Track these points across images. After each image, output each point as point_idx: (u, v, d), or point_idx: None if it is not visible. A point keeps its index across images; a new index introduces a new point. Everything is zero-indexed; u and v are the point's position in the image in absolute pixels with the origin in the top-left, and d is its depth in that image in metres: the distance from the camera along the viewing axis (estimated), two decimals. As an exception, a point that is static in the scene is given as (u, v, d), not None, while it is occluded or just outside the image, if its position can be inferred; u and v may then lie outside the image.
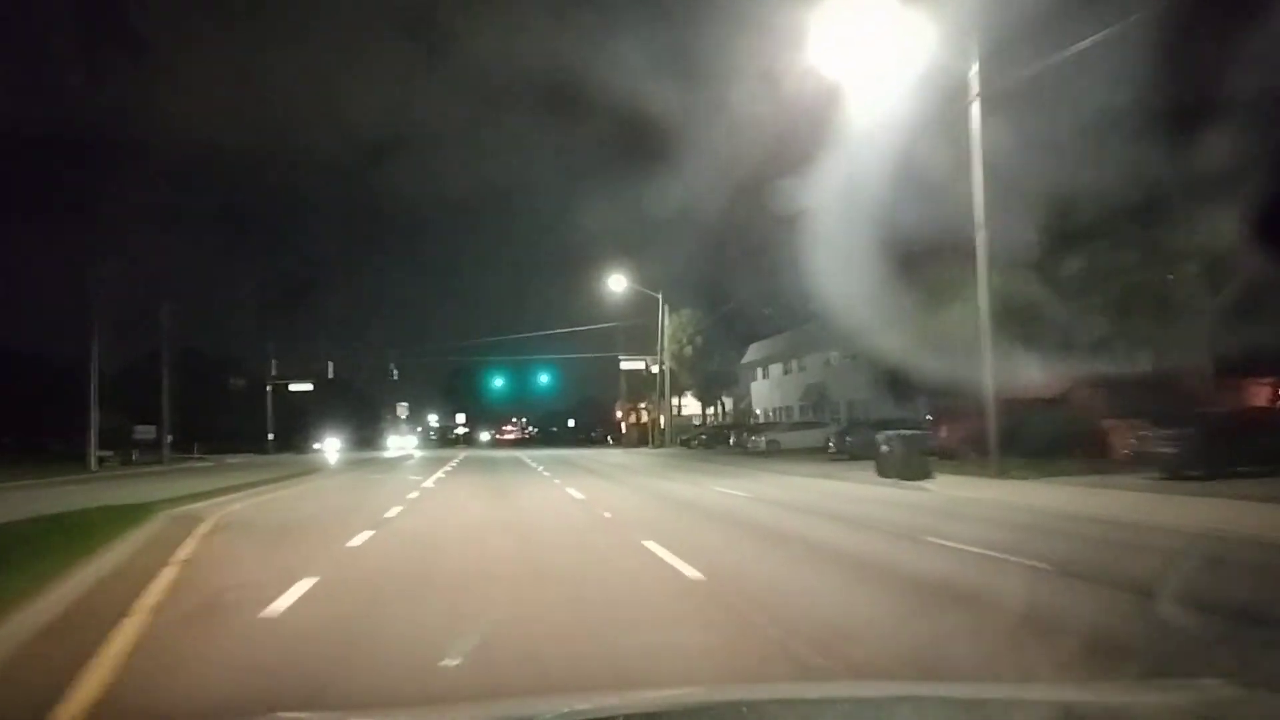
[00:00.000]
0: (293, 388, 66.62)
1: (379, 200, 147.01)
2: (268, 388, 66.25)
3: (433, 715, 3.31)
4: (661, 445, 53.39)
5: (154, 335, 46.74)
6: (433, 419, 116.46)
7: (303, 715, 4.14)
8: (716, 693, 3.25)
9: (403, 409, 73.14)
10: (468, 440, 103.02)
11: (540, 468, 30.02)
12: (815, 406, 42.10)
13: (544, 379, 70.63)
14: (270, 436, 64.96)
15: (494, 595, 6.97)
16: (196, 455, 53.39)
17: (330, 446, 62.23)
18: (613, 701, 2.88)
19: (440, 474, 27.39)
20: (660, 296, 53.03)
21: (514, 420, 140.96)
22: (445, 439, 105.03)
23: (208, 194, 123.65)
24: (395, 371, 59.65)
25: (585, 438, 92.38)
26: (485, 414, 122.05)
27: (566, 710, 2.39)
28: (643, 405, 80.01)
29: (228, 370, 70.65)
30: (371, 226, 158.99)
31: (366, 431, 74.93)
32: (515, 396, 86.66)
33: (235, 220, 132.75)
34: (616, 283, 52.98)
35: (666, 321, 54.07)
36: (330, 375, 59.29)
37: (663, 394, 54.56)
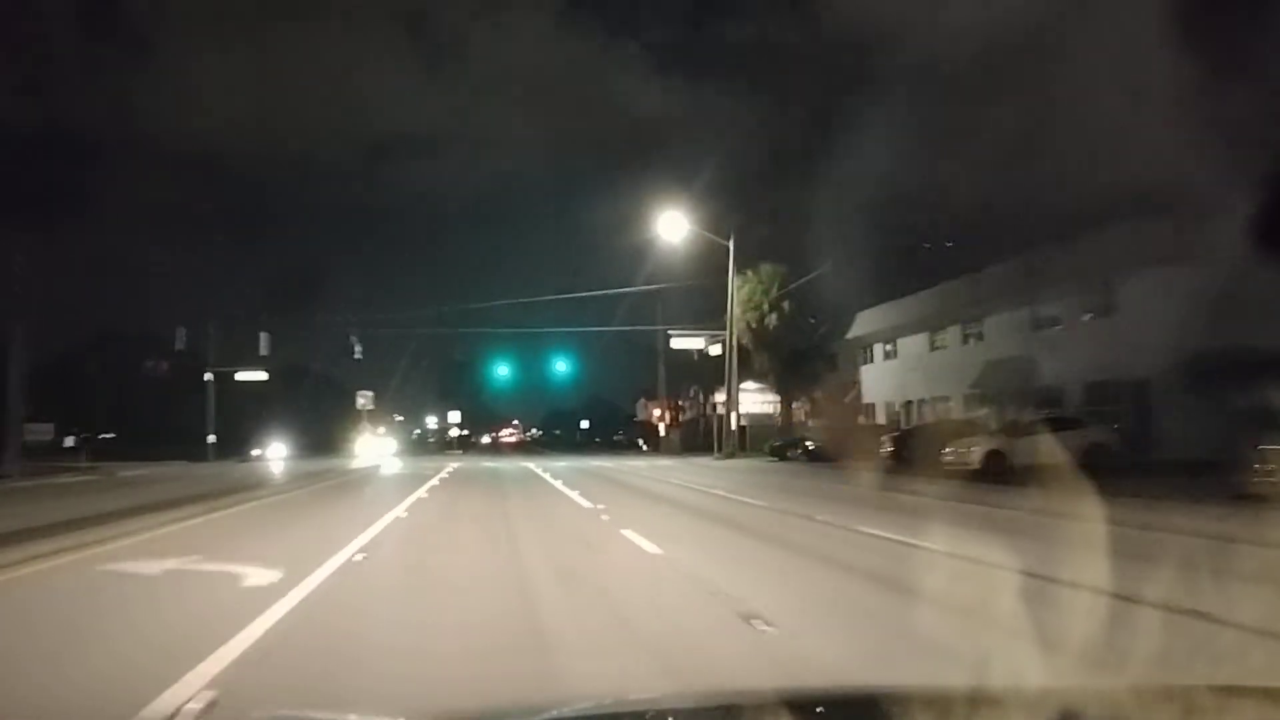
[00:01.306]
0: (240, 376, 51.90)
1: (381, 191, 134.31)
2: (207, 376, 51.32)
3: (432, 715, 3.34)
4: (732, 454, 38.18)
5: (90, 323, 32.70)
6: (431, 421, 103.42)
7: (302, 715, 3.92)
8: (715, 694, 3.16)
9: (364, 398, 57.30)
10: (463, 444, 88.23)
11: (601, 508, 14.75)
12: (1001, 397, 26.94)
13: (561, 367, 55.31)
14: (211, 438, 50.20)
15: None
16: (85, 464, 38.83)
17: (274, 453, 47.08)
18: (613, 701, 2.95)
19: (388, 521, 12.32)
20: (730, 245, 37.93)
21: (514, 422, 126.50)
22: (442, 442, 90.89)
23: (203, 190, 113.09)
24: (358, 349, 44.48)
25: (606, 442, 77.47)
26: (484, 413, 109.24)
27: (567, 710, 2.27)
28: (680, 401, 65.55)
29: (191, 364, 56.45)
30: (371, 216, 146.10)
31: (333, 429, 59.87)
32: (521, 391, 71.54)
33: (231, 216, 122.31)
34: (670, 226, 38.01)
35: (738, 282, 39.04)
36: (264, 352, 43.92)
37: (730, 381, 39.36)
